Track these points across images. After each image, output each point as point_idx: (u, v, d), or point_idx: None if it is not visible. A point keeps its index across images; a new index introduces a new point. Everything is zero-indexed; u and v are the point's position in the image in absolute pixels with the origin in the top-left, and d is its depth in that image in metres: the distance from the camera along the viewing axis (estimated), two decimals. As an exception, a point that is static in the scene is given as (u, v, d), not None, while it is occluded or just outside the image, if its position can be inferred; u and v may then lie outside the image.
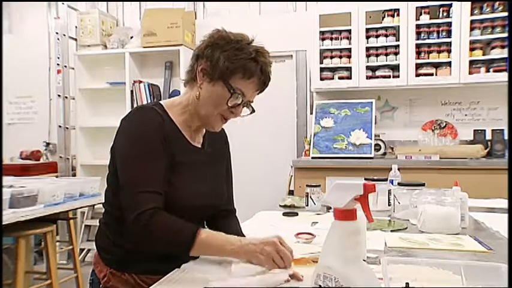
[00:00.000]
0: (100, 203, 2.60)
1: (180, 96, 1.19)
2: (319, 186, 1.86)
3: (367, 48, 3.32)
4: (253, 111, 1.14)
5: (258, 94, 1.13)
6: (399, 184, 1.69)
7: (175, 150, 1.10)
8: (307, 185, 1.86)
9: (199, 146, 1.20)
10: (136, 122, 1.06)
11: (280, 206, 1.93)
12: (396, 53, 3.28)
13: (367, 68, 3.33)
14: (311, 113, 3.59)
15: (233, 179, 1.33)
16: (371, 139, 3.16)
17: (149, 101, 3.75)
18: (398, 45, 3.26)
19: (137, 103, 3.78)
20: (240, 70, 1.06)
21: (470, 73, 3.11)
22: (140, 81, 3.86)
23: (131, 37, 4.01)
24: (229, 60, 1.05)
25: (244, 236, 1.17)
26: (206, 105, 1.11)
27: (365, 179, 1.77)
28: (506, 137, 3.21)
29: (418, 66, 3.23)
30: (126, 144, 1.05)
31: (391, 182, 1.80)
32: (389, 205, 1.72)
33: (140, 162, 1.02)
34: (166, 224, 0.99)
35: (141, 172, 1.02)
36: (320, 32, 3.41)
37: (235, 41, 1.07)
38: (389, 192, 1.72)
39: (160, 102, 1.16)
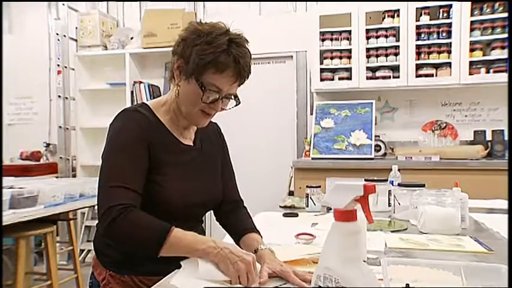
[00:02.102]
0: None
1: (165, 95, 1.18)
2: (319, 187, 1.85)
3: (367, 49, 3.32)
4: (238, 102, 1.11)
5: (238, 86, 1.09)
6: (399, 185, 1.69)
7: (163, 150, 1.09)
8: (307, 186, 1.86)
9: (191, 144, 1.19)
10: (117, 125, 1.06)
11: (280, 206, 1.93)
12: (396, 54, 3.28)
13: (367, 68, 3.33)
14: (311, 114, 3.59)
15: (234, 171, 1.32)
16: (371, 140, 3.16)
17: (146, 101, 3.77)
18: (398, 46, 3.26)
19: (134, 104, 3.79)
20: (211, 65, 1.02)
21: (470, 74, 3.11)
22: (140, 82, 3.86)
23: (131, 38, 4.02)
24: (200, 56, 1.02)
25: (257, 229, 1.17)
26: (185, 103, 1.10)
27: (365, 180, 1.76)
28: (506, 138, 3.20)
29: (418, 66, 3.22)
30: (107, 148, 1.05)
31: (391, 182, 1.79)
32: (389, 206, 1.72)
33: (118, 161, 1.01)
34: (136, 220, 0.96)
35: (118, 168, 1.01)
36: (320, 32, 3.41)
37: (206, 33, 1.03)
38: (389, 193, 1.72)
39: (146, 102, 1.15)
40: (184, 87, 1.08)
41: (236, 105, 1.12)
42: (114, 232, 0.95)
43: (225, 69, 1.03)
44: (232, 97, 1.11)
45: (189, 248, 0.95)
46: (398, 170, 1.89)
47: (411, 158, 3.05)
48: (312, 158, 3.22)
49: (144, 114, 1.09)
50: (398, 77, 3.25)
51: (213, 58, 1.01)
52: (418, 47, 3.22)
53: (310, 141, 3.33)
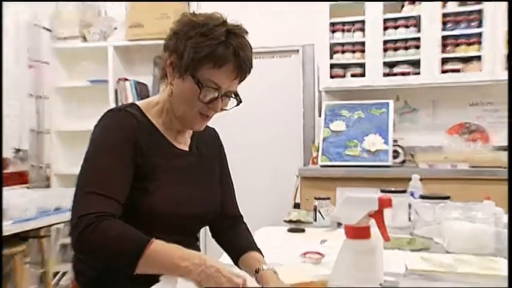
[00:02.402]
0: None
1: (157, 95, 1.20)
2: (328, 198, 1.88)
3: (384, 42, 3.32)
4: (239, 102, 1.13)
5: (239, 82, 1.11)
6: (421, 197, 1.69)
7: (154, 154, 1.10)
8: (315, 198, 1.89)
9: (186, 149, 1.21)
10: (103, 125, 1.08)
11: (284, 221, 1.94)
12: (417, 47, 3.27)
13: (384, 64, 3.32)
14: (319, 116, 3.57)
15: (233, 183, 1.34)
16: (388, 145, 3.15)
17: (136, 101, 3.76)
18: (419, 38, 3.25)
19: (122, 103, 3.78)
20: (208, 59, 1.04)
21: (505, 69, 3.07)
22: (126, 79, 3.86)
23: (115, 28, 4.01)
24: (195, 49, 1.04)
25: (258, 248, 1.19)
26: (179, 103, 1.11)
27: (381, 191, 1.78)
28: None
29: (444, 61, 3.21)
30: (90, 149, 1.06)
31: (412, 194, 1.80)
32: (409, 221, 1.72)
33: (101, 163, 1.03)
34: (109, 230, 0.95)
35: (100, 172, 1.02)
36: (330, 23, 3.41)
37: (201, 24, 1.05)
38: (409, 206, 1.73)
39: (136, 103, 1.17)
40: (179, 86, 1.09)
41: (237, 104, 1.13)
42: (84, 243, 0.95)
43: (223, 63, 1.04)
44: (233, 95, 1.12)
45: (171, 264, 0.93)
46: (420, 179, 1.90)
47: (434, 165, 3.04)
48: (321, 166, 3.22)
49: (134, 114, 1.11)
50: (419, 73, 3.25)
51: (210, 51, 1.03)
52: (443, 38, 3.21)
53: (319, 146, 3.34)
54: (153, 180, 1.09)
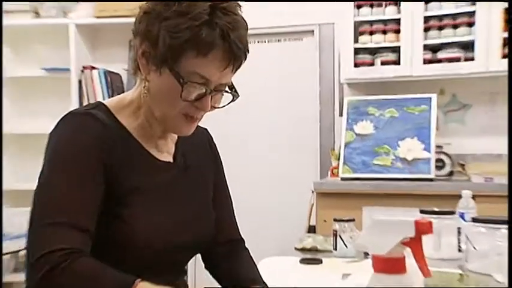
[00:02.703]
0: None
1: (131, 91, 1.21)
2: (352, 220, 1.85)
3: (426, 18, 3.32)
4: (236, 96, 1.13)
5: (234, 72, 1.10)
6: (474, 220, 1.67)
7: (128, 169, 1.11)
8: (335, 219, 1.86)
9: (169, 160, 1.22)
10: (61, 135, 1.08)
11: (296, 249, 1.93)
12: (470, 24, 3.26)
13: (425, 47, 3.32)
14: (340, 115, 3.59)
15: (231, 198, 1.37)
16: (430, 152, 3.14)
17: (106, 96, 3.78)
18: (474, 12, 3.23)
19: (88, 98, 3.79)
20: (190, 45, 1.03)
21: None
22: (93, 67, 3.87)
23: (77, 0, 4.02)
24: (172, 34, 1.03)
25: (262, 280, 1.21)
26: (158, 103, 1.12)
27: (420, 211, 1.77)
28: None
29: (505, 42, 3.17)
30: (45, 167, 1.06)
31: (462, 216, 1.80)
32: (459, 251, 1.70)
33: (60, 187, 1.03)
34: (83, 270, 0.96)
35: (61, 198, 1.02)
36: (355, -5, 3.44)
37: (178, 0, 1.05)
38: (458, 231, 1.71)
39: (104, 102, 1.17)
40: (156, 82, 1.10)
41: (233, 100, 1.14)
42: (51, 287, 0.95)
43: (210, 49, 1.04)
44: (227, 88, 1.13)
45: None
46: (473, 197, 1.89)
47: (492, 179, 3.02)
48: (342, 179, 3.21)
49: (100, 118, 1.10)
50: (472, 59, 3.24)
51: (191, 35, 1.03)
52: (506, 11, 3.16)
53: (339, 154, 3.33)
54: (127, 204, 1.09)
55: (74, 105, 3.79)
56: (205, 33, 1.02)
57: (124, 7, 3.72)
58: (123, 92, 3.84)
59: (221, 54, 1.05)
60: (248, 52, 1.10)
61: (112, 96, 3.69)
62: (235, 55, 1.06)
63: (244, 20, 1.10)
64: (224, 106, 1.14)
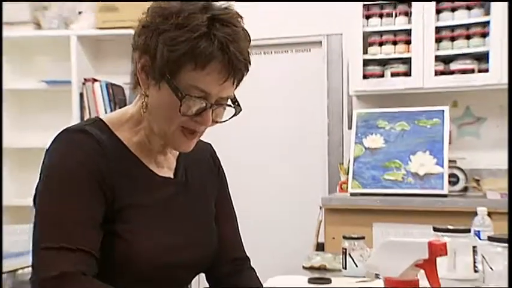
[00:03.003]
0: (29, 266, 2.56)
1: (131, 106, 1.22)
2: (362, 238, 1.84)
3: (438, 29, 3.31)
4: (239, 110, 1.14)
5: (236, 85, 1.11)
6: (490, 238, 1.65)
7: (127, 186, 1.12)
8: (344, 237, 1.85)
9: (170, 176, 1.22)
10: (56, 153, 1.09)
11: (304, 267, 1.92)
12: (484, 35, 3.25)
13: (437, 58, 3.32)
14: (349, 128, 3.59)
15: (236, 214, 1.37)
16: (443, 167, 3.12)
17: (108, 109, 3.79)
18: (488, 22, 3.22)
19: (90, 111, 3.80)
20: (188, 58, 1.04)
21: None
22: (95, 80, 3.88)
23: (79, 13, 4.03)
24: (169, 47, 1.05)
25: None
26: (157, 119, 1.12)
27: (434, 229, 1.73)
28: None
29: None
30: (40, 188, 1.07)
31: (477, 234, 1.78)
32: (475, 272, 1.68)
33: (56, 209, 1.04)
34: None
35: (57, 220, 1.03)
36: (364, 5, 3.43)
37: (176, 12, 1.06)
38: (474, 250, 1.68)
39: (102, 118, 1.18)
40: (155, 96, 1.11)
41: (235, 114, 1.14)
42: None
43: (208, 61, 1.04)
44: (230, 102, 1.14)
45: None
46: (488, 214, 1.87)
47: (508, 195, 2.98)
48: (351, 194, 3.21)
49: (95, 135, 1.11)
50: (486, 71, 3.22)
51: (188, 48, 1.04)
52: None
53: (349, 168, 3.32)
54: (125, 221, 1.09)
55: (75, 118, 3.80)
56: (203, 45, 1.03)
57: (125, 18, 3.73)
58: (125, 105, 3.87)
59: (220, 67, 1.05)
60: (250, 64, 1.11)
61: (114, 109, 3.74)
62: (235, 67, 1.07)
63: (246, 32, 1.11)
64: (226, 120, 1.14)
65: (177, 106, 1.06)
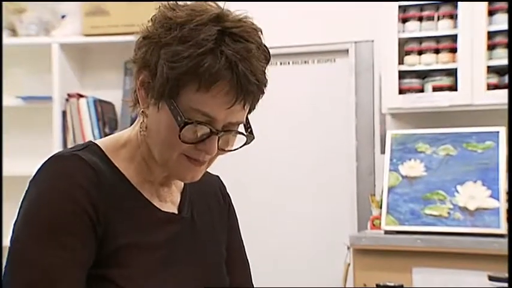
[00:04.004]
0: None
1: (129, 129, 1.24)
2: (400, 287, 1.81)
3: (490, 34, 3.31)
4: (251, 139, 1.15)
5: (249, 110, 1.13)
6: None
7: (123, 224, 1.12)
8: (378, 285, 1.83)
9: (174, 211, 1.23)
10: (40, 186, 1.09)
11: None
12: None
13: (490, 69, 3.31)
14: (382, 153, 3.58)
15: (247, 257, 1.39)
16: (499, 200, 3.09)
17: (96, 129, 3.79)
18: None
19: (74, 133, 3.80)
20: (190, 77, 1.05)
21: None
22: (80, 95, 3.88)
23: (62, 17, 4.05)
24: (170, 64, 1.05)
25: None
26: (157, 143, 1.13)
27: (489, 278, 1.73)
28: None
29: None
30: (18, 227, 1.07)
31: None
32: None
33: (35, 259, 1.03)
34: None
35: (35, 275, 1.02)
36: (400, 7, 3.45)
37: (181, 23, 1.07)
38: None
39: (96, 142, 1.19)
40: (154, 118, 1.13)
41: (246, 143, 1.16)
42: None
43: (213, 82, 1.05)
44: (243, 127, 1.15)
45: None
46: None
47: None
48: (386, 232, 3.20)
49: (90, 161, 1.12)
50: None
51: (191, 65, 1.04)
52: None
53: (382, 201, 3.31)
54: (123, 266, 1.09)
55: (56, 141, 3.81)
56: (208, 63, 1.04)
57: (119, 23, 3.73)
58: (116, 124, 3.87)
59: (227, 89, 1.06)
60: (265, 86, 1.11)
61: (103, 130, 3.73)
62: (245, 90, 1.07)
63: (263, 48, 1.11)
64: (237, 149, 1.16)
65: (176, 131, 1.07)
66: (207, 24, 1.06)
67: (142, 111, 1.15)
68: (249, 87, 1.06)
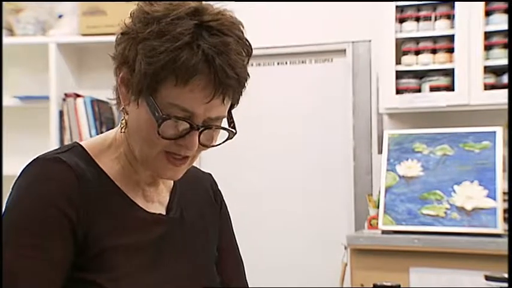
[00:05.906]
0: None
1: (115, 129, 1.23)
2: (397, 287, 1.78)
3: (487, 34, 3.31)
4: (232, 134, 1.14)
5: (227, 104, 1.11)
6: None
7: (107, 226, 1.12)
8: (375, 285, 1.78)
9: (161, 212, 1.22)
10: (22, 189, 1.10)
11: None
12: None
13: (487, 69, 3.32)
14: (380, 152, 3.58)
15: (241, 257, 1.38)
16: (495, 200, 3.09)
17: (93, 129, 3.81)
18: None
19: (71, 133, 3.81)
20: (167, 72, 1.05)
21: None
22: (77, 95, 3.88)
23: (60, 17, 4.05)
24: (147, 59, 1.05)
25: None
26: (137, 140, 1.13)
27: (486, 278, 1.70)
28: None
29: None
30: (5, 226, 1.07)
31: None
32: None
33: (15, 262, 1.03)
34: None
35: (13, 279, 1.02)
36: (397, 7, 3.44)
37: (158, 18, 1.06)
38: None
39: (81, 143, 1.19)
40: (134, 115, 1.13)
41: (228, 138, 1.15)
42: None
43: (190, 76, 1.05)
44: (226, 122, 1.15)
45: None
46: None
47: None
48: (383, 232, 3.21)
49: (72, 164, 1.12)
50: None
51: (168, 60, 1.04)
52: None
53: (379, 201, 3.31)
54: (108, 269, 1.09)
55: (53, 141, 3.81)
56: (184, 57, 1.04)
57: (117, 22, 3.72)
58: (113, 124, 3.87)
59: (204, 83, 1.06)
60: (246, 80, 1.11)
61: (100, 130, 3.74)
62: (224, 84, 1.06)
63: (243, 42, 1.10)
64: (219, 145, 1.15)
65: (154, 127, 1.07)
66: (184, 18, 1.06)
67: (123, 109, 1.15)
68: (227, 81, 1.06)
